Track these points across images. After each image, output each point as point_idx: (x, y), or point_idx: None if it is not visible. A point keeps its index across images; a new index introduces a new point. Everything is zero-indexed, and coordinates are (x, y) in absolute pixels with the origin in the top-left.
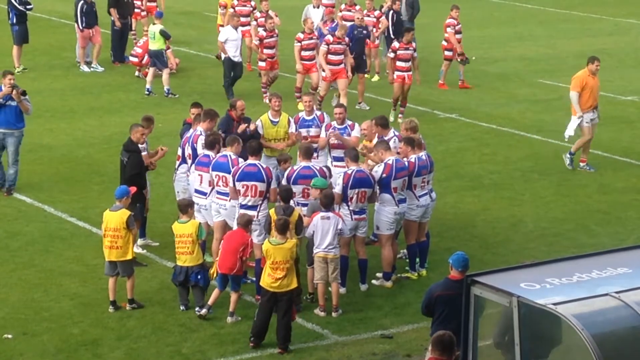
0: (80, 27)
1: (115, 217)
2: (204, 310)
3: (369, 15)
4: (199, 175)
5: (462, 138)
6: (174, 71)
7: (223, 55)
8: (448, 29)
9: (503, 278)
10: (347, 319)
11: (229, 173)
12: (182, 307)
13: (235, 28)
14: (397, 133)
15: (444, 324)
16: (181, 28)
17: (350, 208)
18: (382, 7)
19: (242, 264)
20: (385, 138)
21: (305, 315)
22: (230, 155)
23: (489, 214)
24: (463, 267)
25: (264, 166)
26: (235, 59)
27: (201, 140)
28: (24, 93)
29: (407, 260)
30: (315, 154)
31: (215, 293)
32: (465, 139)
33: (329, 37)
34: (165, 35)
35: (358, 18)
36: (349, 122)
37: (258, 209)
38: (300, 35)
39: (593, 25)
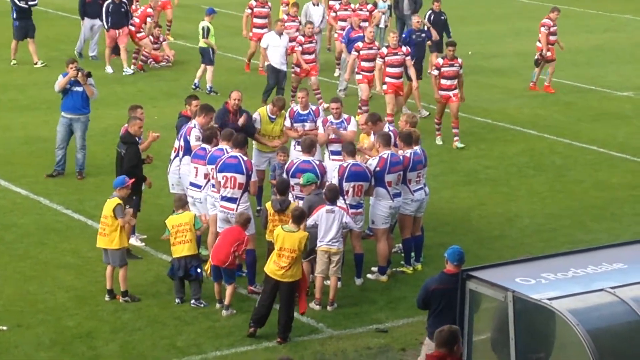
0: (106, 27)
1: (107, 205)
2: (225, 312)
3: (361, 9)
4: (195, 167)
5: None
6: (169, 64)
7: (266, 63)
8: (542, 29)
9: (498, 273)
10: (342, 313)
11: None
12: (177, 300)
13: (279, 34)
14: (392, 128)
15: (439, 317)
16: (178, 21)
17: (347, 202)
18: (375, 2)
19: (235, 259)
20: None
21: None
22: (226, 149)
23: (485, 209)
24: (458, 261)
25: (245, 159)
26: (279, 67)
27: (194, 133)
28: (89, 74)
29: (403, 254)
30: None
31: (216, 288)
32: (461, 134)
33: (384, 50)
34: (204, 32)
35: (417, 22)
36: (345, 116)
37: (237, 202)
38: (360, 44)
39: (590, 21)
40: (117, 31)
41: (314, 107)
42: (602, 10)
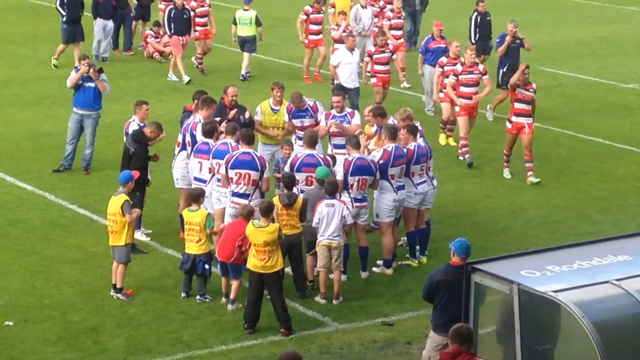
0: (168, 34)
1: (114, 202)
2: (230, 307)
3: (372, 5)
4: (199, 162)
5: None
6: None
7: (335, 81)
8: None
9: (504, 265)
10: (347, 307)
11: None
12: (183, 294)
13: (351, 50)
14: (395, 122)
15: (444, 310)
16: None
17: (351, 195)
18: None
19: (240, 253)
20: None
21: (306, 302)
22: (230, 143)
23: (490, 202)
24: (465, 254)
25: (258, 155)
26: (348, 84)
27: (200, 128)
28: (100, 70)
29: (408, 247)
30: None
31: (224, 282)
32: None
33: (458, 67)
34: (258, 20)
35: (511, 30)
36: (349, 110)
37: (250, 198)
38: (444, 60)
39: (594, 12)
40: (180, 38)
41: (311, 103)
42: (606, 2)
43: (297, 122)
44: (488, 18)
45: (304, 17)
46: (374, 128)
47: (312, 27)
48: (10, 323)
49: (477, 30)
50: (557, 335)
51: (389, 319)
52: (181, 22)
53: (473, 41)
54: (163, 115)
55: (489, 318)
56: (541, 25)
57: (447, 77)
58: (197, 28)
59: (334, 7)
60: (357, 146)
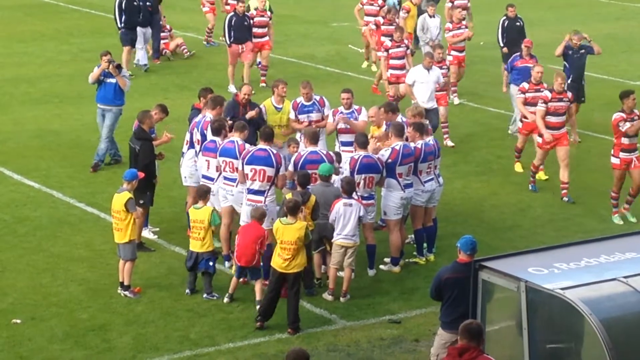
0: (228, 42)
1: (118, 200)
2: (226, 299)
3: (371, 4)
4: (206, 160)
5: (470, 123)
6: (191, 53)
7: (412, 101)
8: None
9: (511, 263)
10: (355, 304)
11: (236, 159)
12: (187, 291)
13: (428, 69)
14: (404, 119)
15: (452, 307)
16: (188, 13)
17: (358, 193)
18: None
19: (260, 256)
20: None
21: (313, 300)
22: (237, 141)
23: (498, 199)
24: (471, 251)
25: (275, 152)
26: (426, 105)
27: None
28: (119, 66)
29: (415, 245)
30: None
31: (234, 281)
32: (473, 124)
33: (547, 94)
34: (271, 10)
35: (573, 38)
36: (356, 107)
37: (265, 195)
38: (525, 86)
39: (601, 9)
40: (240, 46)
41: (318, 98)
42: None
43: (303, 117)
44: (518, 23)
45: (374, 27)
46: (383, 127)
47: (383, 39)
48: (18, 321)
49: (505, 35)
50: (564, 332)
51: (396, 316)
52: (242, 30)
53: (502, 45)
54: (170, 113)
55: (496, 315)
56: (548, 22)
57: (527, 104)
58: (254, 39)
59: (408, 12)
60: (364, 145)
